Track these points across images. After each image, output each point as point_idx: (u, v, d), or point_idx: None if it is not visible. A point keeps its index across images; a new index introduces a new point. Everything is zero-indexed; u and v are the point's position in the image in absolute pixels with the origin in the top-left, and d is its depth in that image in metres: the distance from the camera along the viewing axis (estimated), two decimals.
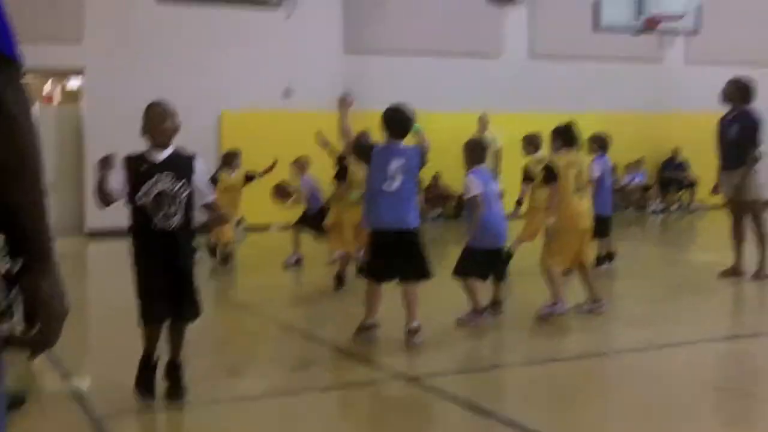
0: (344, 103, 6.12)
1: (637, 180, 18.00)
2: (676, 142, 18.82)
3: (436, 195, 17.12)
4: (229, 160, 10.18)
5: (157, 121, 4.45)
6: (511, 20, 17.63)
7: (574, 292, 6.81)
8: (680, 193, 19.18)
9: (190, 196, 4.43)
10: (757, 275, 8.31)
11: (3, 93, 1.57)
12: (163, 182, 4.39)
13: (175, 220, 4.39)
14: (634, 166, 18.02)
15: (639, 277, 9.13)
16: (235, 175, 10.01)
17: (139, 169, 4.41)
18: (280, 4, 15.07)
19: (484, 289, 6.41)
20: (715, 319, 6.99)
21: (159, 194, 4.36)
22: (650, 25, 14.08)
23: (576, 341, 6.14)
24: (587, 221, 6.73)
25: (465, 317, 6.30)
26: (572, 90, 17.28)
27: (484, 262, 6.34)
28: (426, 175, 16.77)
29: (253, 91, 14.81)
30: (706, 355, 5.69)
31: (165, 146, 4.45)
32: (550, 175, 6.69)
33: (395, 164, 5.70)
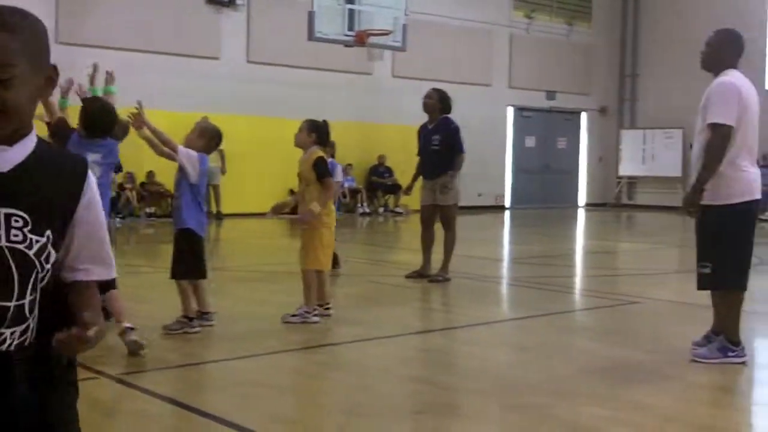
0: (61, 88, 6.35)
1: (347, 184, 18.91)
2: (382, 150, 20.03)
3: (151, 192, 16.93)
4: None
5: None
6: (229, 24, 17.87)
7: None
8: (386, 197, 20.42)
9: (54, 269, 1.85)
10: (435, 277, 9.05)
11: None
12: None
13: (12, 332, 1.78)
14: (345, 171, 18.91)
15: (346, 276, 9.71)
16: None
17: None
18: None
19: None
20: (408, 316, 7.67)
21: None
22: (360, 39, 14.89)
23: (285, 338, 6.49)
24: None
25: (173, 324, 6.21)
26: (287, 96, 17.87)
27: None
28: (140, 172, 16.56)
29: None
30: (401, 348, 6.28)
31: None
32: (326, 169, 6.77)
33: (90, 158, 5.66)
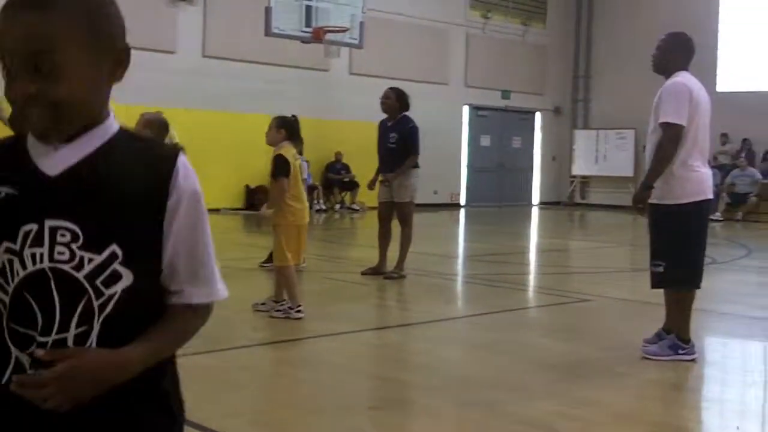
0: None
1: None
2: (339, 147, 20.02)
3: None
4: None
5: None
6: (185, 18, 17.72)
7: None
8: (342, 194, 20.41)
9: (131, 293, 1.45)
10: (391, 274, 9.08)
11: None
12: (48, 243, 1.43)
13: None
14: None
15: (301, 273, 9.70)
16: None
17: None
18: None
19: None
20: (364, 313, 7.70)
21: (28, 283, 1.43)
22: (317, 35, 14.86)
23: (242, 334, 6.47)
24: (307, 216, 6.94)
25: None
26: (244, 91, 17.78)
27: None
28: None
29: None
30: (356, 344, 6.30)
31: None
32: (284, 166, 6.64)
33: None
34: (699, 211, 5.57)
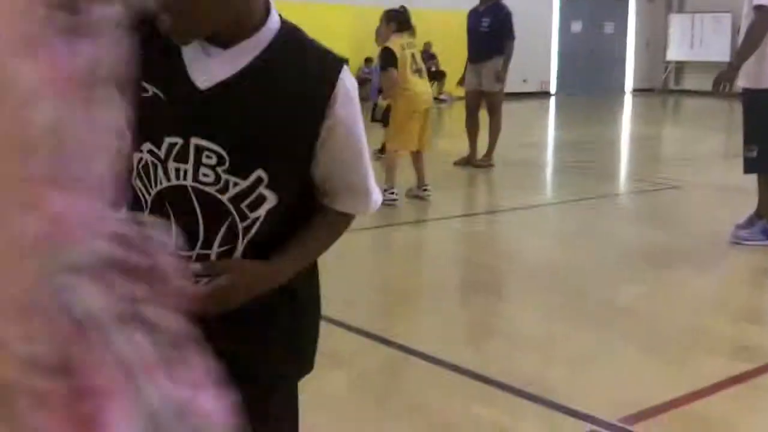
0: None
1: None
2: (428, 37, 19.77)
3: None
4: None
5: None
6: None
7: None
8: (431, 83, 20.26)
9: (274, 213, 1.44)
10: (480, 163, 9.10)
11: None
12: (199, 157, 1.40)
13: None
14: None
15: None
16: None
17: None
18: None
19: None
20: (453, 202, 7.81)
21: (171, 194, 1.42)
22: None
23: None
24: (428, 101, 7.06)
25: None
26: None
27: None
28: None
29: None
30: (446, 231, 6.44)
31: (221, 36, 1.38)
32: (390, 58, 6.81)
33: None
34: None
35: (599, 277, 4.99)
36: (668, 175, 9.06)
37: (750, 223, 5.68)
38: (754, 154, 5.51)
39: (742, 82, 5.48)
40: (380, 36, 7.12)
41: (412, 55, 7.02)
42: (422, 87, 7.07)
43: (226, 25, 1.35)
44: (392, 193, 6.83)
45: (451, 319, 4.32)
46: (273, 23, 1.39)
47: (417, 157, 7.14)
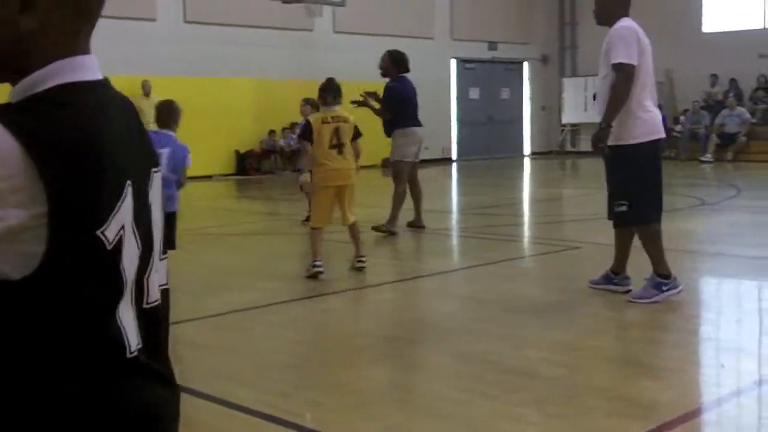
0: None
1: (291, 143, 18.84)
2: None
3: None
4: None
5: None
6: None
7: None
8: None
9: None
10: (382, 228, 9.17)
11: None
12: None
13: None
14: (289, 129, 18.85)
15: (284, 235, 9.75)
16: None
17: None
18: None
19: None
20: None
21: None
22: None
23: (227, 300, 6.53)
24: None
25: None
26: (228, 56, 17.66)
27: None
28: None
29: None
30: (351, 302, 6.36)
31: None
32: (305, 131, 6.91)
33: None
34: (656, 148, 5.77)
35: (500, 340, 4.98)
36: (568, 236, 9.22)
37: (606, 279, 6.02)
38: (625, 208, 5.74)
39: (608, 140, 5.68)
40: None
41: (336, 130, 6.96)
42: (339, 163, 6.97)
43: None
44: (314, 265, 6.79)
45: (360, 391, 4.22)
46: (48, 72, 1.17)
47: (349, 230, 7.13)
